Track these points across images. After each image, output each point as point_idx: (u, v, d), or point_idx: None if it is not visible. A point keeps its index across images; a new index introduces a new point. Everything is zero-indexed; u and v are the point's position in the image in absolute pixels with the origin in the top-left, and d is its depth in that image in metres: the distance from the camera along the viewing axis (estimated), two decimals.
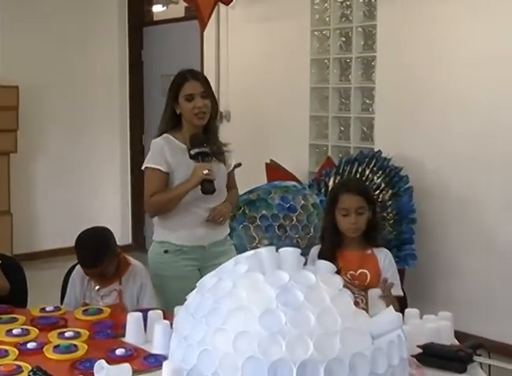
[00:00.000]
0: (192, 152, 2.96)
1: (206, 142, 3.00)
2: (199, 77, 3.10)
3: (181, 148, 3.04)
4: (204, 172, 2.91)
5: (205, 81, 3.09)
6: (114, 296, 2.99)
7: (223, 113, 5.97)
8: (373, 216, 2.86)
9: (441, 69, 4.51)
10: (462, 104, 4.42)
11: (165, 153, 3.04)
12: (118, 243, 3.09)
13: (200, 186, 2.95)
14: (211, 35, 6.03)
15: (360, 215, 2.80)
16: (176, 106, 3.06)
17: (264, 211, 4.15)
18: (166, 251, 3.09)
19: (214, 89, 3.16)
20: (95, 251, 2.90)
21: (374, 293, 2.62)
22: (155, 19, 6.99)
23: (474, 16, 4.32)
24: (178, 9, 6.63)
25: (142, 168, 3.11)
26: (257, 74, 5.73)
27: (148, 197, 3.06)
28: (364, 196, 2.84)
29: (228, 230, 3.27)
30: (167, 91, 3.11)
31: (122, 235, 6.84)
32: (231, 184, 3.27)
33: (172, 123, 3.10)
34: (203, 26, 5.39)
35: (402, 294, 2.85)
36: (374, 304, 2.58)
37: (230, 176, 3.25)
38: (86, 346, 2.36)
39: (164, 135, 3.09)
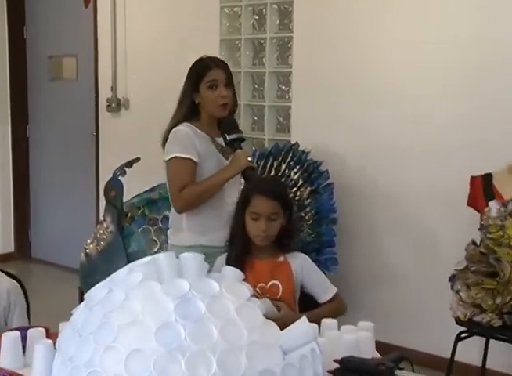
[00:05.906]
0: (229, 137, 3.11)
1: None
2: (222, 65, 3.22)
3: (206, 138, 3.15)
4: (249, 159, 3.09)
5: (228, 70, 3.22)
6: None
7: (121, 101, 5.90)
8: (287, 222, 2.85)
9: (366, 53, 4.59)
10: (387, 92, 4.51)
11: (194, 141, 3.12)
12: None
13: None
14: (107, 11, 5.93)
15: (272, 221, 2.79)
16: (195, 95, 3.16)
17: (166, 212, 4.08)
18: None
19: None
20: None
21: None
22: None
23: None
24: None
25: (167, 158, 3.15)
26: (159, 56, 5.68)
27: (177, 191, 3.10)
28: (280, 201, 2.83)
29: None
30: (186, 80, 3.22)
31: (4, 242, 6.70)
32: None
33: (190, 114, 3.19)
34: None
35: (335, 290, 2.85)
36: None
37: None
38: None
39: (185, 123, 3.16)
